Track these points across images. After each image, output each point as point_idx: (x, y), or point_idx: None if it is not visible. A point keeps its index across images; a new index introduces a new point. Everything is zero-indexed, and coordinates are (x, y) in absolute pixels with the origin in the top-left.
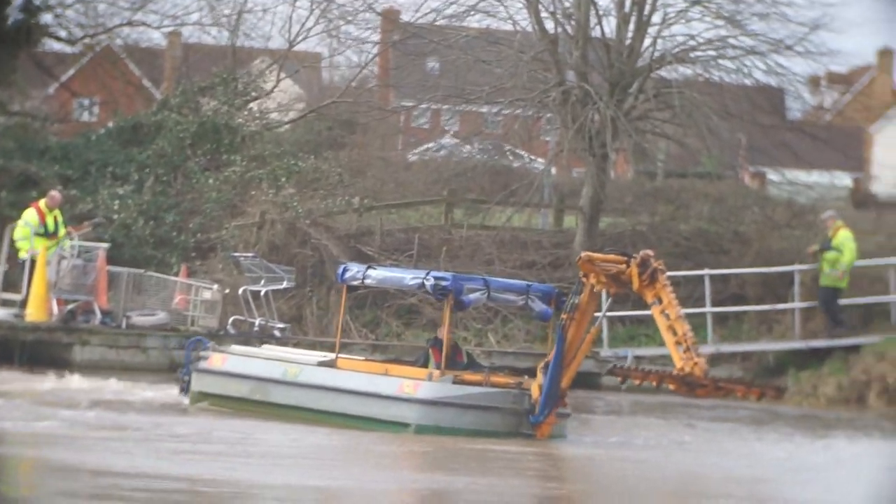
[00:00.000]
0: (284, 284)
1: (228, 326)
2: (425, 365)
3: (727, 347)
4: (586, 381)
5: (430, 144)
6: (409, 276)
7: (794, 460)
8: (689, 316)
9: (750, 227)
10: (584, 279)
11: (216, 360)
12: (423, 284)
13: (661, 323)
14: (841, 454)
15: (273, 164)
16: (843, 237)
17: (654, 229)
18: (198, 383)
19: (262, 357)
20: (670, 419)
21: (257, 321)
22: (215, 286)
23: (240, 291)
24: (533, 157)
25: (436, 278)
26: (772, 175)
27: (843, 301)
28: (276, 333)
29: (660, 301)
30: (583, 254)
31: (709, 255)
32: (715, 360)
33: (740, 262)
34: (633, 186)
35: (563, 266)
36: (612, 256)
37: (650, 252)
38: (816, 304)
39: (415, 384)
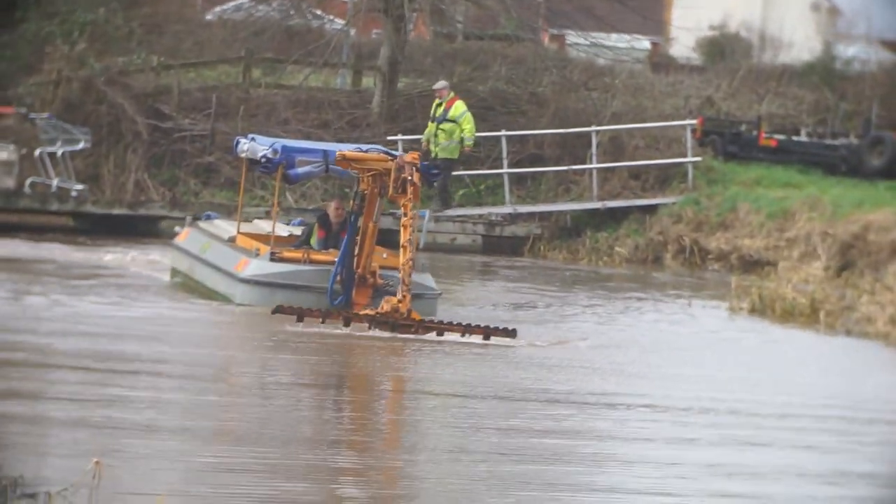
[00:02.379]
0: (81, 145)
1: (25, 188)
2: (307, 241)
3: (524, 208)
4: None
5: (228, 6)
6: (260, 149)
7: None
8: (487, 177)
9: (548, 89)
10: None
11: (182, 235)
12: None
13: (401, 235)
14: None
15: (65, 18)
16: (461, 109)
17: (451, 90)
18: (171, 259)
19: (206, 233)
20: (484, 283)
21: (54, 182)
22: (11, 146)
23: (36, 153)
24: (332, 18)
25: (274, 150)
26: (571, 37)
27: (642, 162)
28: (74, 194)
29: (405, 214)
30: (338, 152)
31: (506, 116)
32: (513, 219)
33: (538, 124)
34: (432, 47)
35: (360, 126)
36: (371, 155)
37: (412, 159)
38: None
39: (246, 261)
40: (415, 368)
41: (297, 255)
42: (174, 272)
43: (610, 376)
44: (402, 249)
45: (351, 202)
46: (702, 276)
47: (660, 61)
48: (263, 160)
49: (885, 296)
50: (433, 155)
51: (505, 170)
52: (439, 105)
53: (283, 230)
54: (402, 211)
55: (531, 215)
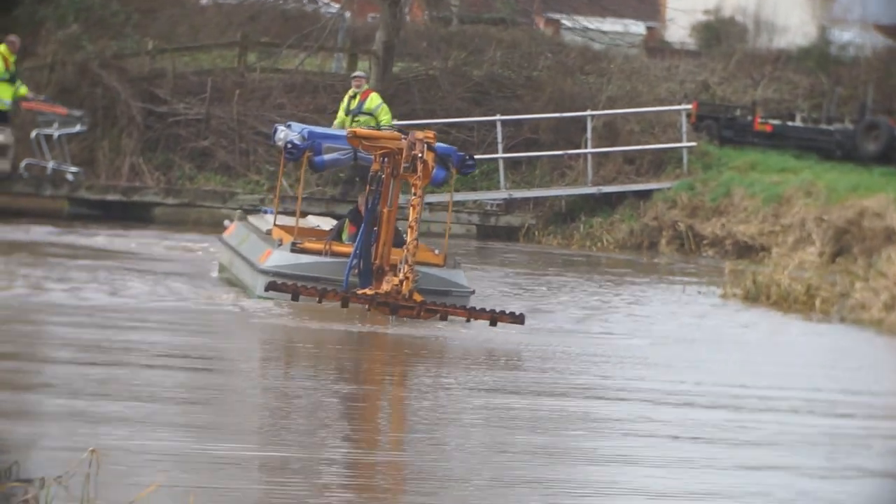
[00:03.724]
0: (78, 128)
1: (21, 170)
2: (338, 237)
3: (519, 193)
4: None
5: None
6: (291, 135)
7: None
8: (481, 162)
9: (543, 73)
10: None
11: (229, 230)
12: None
13: (409, 214)
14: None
15: (59, 3)
16: (377, 101)
17: (447, 74)
18: (219, 253)
19: (250, 226)
20: (493, 268)
21: (50, 165)
22: (7, 129)
23: (32, 135)
24: (327, 2)
25: (301, 136)
26: (566, 22)
27: (637, 147)
28: (69, 178)
29: (415, 194)
30: (347, 129)
31: (501, 100)
32: (508, 206)
33: (533, 108)
34: (428, 31)
35: None
36: (384, 133)
37: (425, 137)
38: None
39: (269, 252)
40: (437, 363)
41: (319, 246)
42: (221, 267)
43: (627, 367)
44: (409, 229)
45: (367, 186)
46: (697, 261)
47: (655, 46)
48: (289, 146)
49: (879, 282)
50: None
51: (500, 154)
52: (353, 97)
53: (328, 225)
54: (412, 190)
55: (525, 201)
